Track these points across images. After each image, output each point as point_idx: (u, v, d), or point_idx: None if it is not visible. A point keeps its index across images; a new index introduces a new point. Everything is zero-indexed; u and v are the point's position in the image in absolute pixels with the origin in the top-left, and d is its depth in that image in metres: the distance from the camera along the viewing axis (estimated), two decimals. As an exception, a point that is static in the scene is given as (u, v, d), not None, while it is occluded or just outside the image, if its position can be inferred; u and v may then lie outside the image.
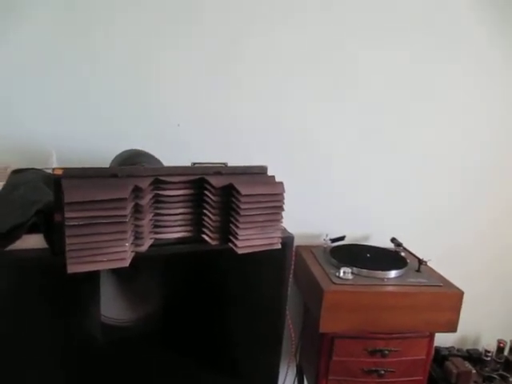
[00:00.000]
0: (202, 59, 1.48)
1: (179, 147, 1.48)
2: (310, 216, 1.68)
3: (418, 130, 1.68)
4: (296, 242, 1.64)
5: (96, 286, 1.17)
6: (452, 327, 1.37)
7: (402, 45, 1.60)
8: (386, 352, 1.36)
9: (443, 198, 1.75)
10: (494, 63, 1.68)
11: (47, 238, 0.85)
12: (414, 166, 1.71)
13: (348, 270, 1.37)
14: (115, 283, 1.25)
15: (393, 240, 1.64)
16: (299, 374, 1.70)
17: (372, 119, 1.64)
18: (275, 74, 1.53)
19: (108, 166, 1.23)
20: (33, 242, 0.85)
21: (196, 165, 1.15)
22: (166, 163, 1.21)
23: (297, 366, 1.71)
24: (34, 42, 1.35)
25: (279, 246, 1.02)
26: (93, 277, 1.07)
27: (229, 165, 1.16)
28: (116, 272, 1.21)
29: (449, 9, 1.60)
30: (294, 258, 1.61)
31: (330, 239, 1.58)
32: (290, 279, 1.20)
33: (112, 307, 1.24)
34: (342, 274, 1.36)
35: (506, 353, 1.75)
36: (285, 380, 1.38)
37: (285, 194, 1.04)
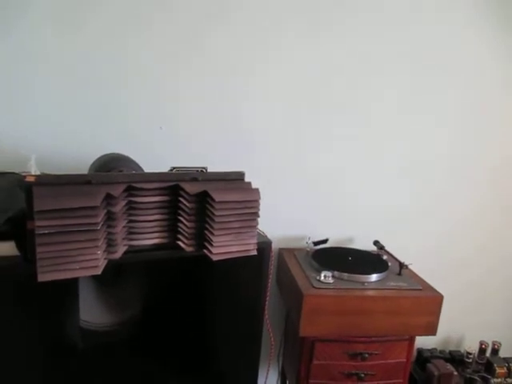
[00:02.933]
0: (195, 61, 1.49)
1: (160, 151, 1.48)
2: (296, 218, 1.68)
3: (398, 133, 1.69)
4: (280, 245, 1.67)
5: (75, 292, 1.17)
6: (431, 330, 1.38)
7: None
8: (366, 355, 1.37)
9: (429, 198, 1.76)
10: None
11: (19, 246, 0.85)
12: (399, 168, 1.72)
13: (329, 273, 1.37)
14: (95, 288, 1.24)
15: (375, 243, 1.65)
16: (282, 378, 1.71)
17: (355, 124, 1.65)
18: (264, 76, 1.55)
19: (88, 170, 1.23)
20: (4, 249, 0.85)
21: (175, 169, 1.15)
22: (148, 167, 1.21)
23: (279, 370, 1.72)
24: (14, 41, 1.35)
25: (255, 253, 1.01)
26: (71, 282, 1.06)
27: (210, 170, 1.16)
28: (96, 277, 1.20)
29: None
30: (275, 262, 1.63)
31: (313, 242, 1.58)
32: (270, 283, 1.20)
33: (91, 312, 1.23)
34: (322, 278, 1.36)
35: (487, 354, 1.76)
36: (265, 383, 1.39)
37: (261, 200, 1.03)
